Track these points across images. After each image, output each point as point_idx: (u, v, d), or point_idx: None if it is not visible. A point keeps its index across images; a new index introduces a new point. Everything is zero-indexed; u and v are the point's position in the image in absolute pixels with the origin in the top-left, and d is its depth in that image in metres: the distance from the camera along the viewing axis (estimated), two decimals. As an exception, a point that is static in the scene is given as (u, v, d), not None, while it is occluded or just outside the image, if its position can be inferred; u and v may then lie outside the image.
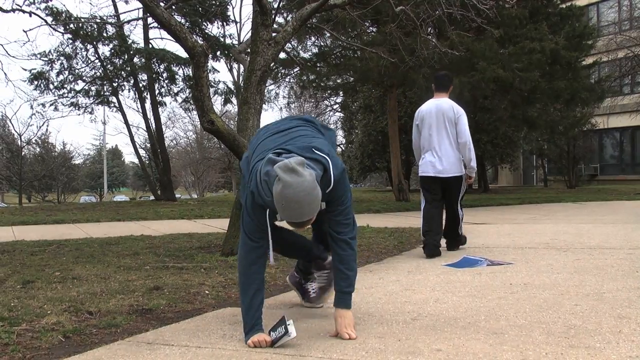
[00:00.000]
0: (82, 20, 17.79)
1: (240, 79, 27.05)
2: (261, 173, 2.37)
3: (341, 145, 37.74)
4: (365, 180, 39.83)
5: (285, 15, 14.50)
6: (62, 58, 18.84)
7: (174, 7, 16.33)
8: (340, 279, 2.65)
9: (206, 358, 2.32)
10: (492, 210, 11.98)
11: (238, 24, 37.76)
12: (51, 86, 18.91)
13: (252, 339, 2.47)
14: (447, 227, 5.43)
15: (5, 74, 32.16)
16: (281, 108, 57.53)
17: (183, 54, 17.83)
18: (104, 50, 19.50)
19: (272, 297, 3.55)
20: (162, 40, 28.70)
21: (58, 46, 18.95)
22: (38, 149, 34.30)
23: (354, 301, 2.67)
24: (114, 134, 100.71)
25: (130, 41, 19.50)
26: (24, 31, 22.29)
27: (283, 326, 2.42)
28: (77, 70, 19.32)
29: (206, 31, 19.82)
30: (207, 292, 3.67)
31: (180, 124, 62.37)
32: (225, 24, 20.80)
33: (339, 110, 35.74)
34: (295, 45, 15.91)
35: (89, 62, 19.49)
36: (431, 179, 5.27)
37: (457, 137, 5.26)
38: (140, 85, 19.97)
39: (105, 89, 19.98)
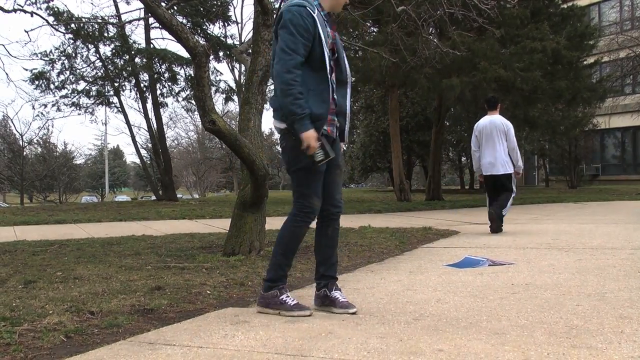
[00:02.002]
0: (84, 20, 17.82)
1: (242, 79, 27.05)
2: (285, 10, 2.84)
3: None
4: (367, 180, 39.84)
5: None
6: (63, 58, 18.87)
7: (175, 7, 16.34)
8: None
9: (208, 358, 2.32)
10: (494, 210, 11.96)
11: (239, 24, 37.86)
12: (52, 86, 18.94)
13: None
14: (494, 210, 6.96)
15: (6, 74, 32.31)
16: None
17: (184, 54, 17.86)
18: (105, 50, 19.56)
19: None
20: (164, 41, 28.79)
21: (59, 46, 18.97)
22: (39, 149, 34.34)
23: (355, 301, 2.67)
24: (116, 134, 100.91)
25: (131, 41, 19.54)
26: (26, 31, 22.41)
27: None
28: (78, 70, 19.35)
29: (207, 31, 19.86)
30: (208, 292, 3.67)
31: (181, 124, 62.52)
32: (226, 24, 20.86)
33: (340, 110, 35.68)
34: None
35: (90, 62, 19.53)
36: (489, 176, 7.09)
37: (507, 144, 7.00)
38: (142, 85, 19.99)
39: (106, 89, 20.00)
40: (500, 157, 6.98)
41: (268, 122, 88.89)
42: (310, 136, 2.79)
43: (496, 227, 6.93)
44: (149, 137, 22.41)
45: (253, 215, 5.32)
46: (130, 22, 19.34)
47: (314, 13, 2.86)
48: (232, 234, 5.37)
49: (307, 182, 2.93)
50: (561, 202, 14.18)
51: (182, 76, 20.09)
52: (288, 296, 3.00)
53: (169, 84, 20.25)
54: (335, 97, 2.97)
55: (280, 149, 3.15)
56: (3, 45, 36.88)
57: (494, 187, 7.10)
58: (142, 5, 5.76)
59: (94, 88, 19.81)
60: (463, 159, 32.38)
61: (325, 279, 3.07)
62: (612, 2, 28.63)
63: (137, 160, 32.29)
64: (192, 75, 16.89)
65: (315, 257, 3.15)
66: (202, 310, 3.22)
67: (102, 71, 19.52)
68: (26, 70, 41.59)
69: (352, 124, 33.76)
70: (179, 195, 23.42)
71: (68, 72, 19.11)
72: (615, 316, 2.77)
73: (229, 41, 21.09)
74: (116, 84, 19.73)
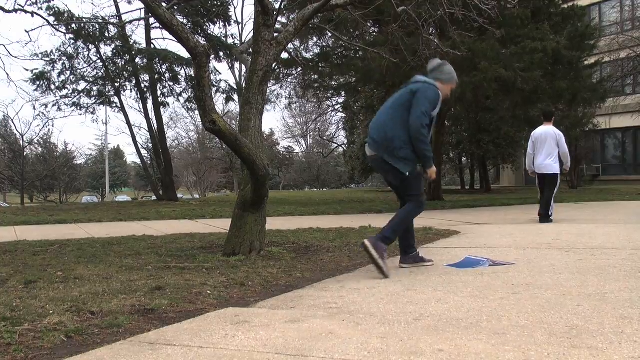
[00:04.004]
0: (84, 20, 17.82)
1: (242, 79, 27.05)
2: (431, 72, 4.50)
3: (343, 146, 37.74)
4: (367, 180, 39.85)
5: (287, 14, 14.50)
6: (64, 58, 18.87)
7: (176, 7, 16.35)
8: None
9: (208, 358, 2.32)
10: (495, 210, 11.97)
11: (240, 25, 37.91)
12: (52, 86, 18.94)
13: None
14: (541, 206, 8.62)
15: (7, 74, 32.35)
16: (283, 108, 57.59)
17: (185, 54, 17.87)
18: (106, 50, 19.56)
19: (274, 297, 3.55)
20: (164, 41, 28.78)
21: (60, 46, 18.98)
22: (40, 149, 34.36)
23: (355, 302, 2.67)
24: (116, 134, 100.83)
25: (132, 41, 19.55)
26: (26, 31, 22.39)
27: None
28: (79, 71, 19.35)
29: (208, 32, 19.87)
30: (209, 292, 3.67)
31: (182, 124, 62.44)
32: (227, 24, 20.85)
33: (341, 110, 35.73)
34: (298, 45, 15.92)
35: (91, 62, 19.53)
36: (540, 175, 8.73)
37: (559, 150, 8.56)
38: (142, 85, 19.99)
39: (107, 89, 20.00)
40: (549, 160, 8.57)
41: (268, 122, 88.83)
42: (434, 170, 4.45)
43: (546, 221, 8.45)
44: (149, 137, 22.43)
45: (253, 215, 5.32)
46: (131, 22, 19.37)
47: (440, 97, 4.40)
48: (232, 234, 5.37)
49: (421, 188, 4.54)
50: (561, 202, 14.17)
51: (182, 76, 20.10)
52: (386, 251, 4.23)
53: (170, 84, 20.26)
54: None
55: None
56: (4, 46, 36.84)
57: (544, 183, 8.73)
58: (142, 6, 5.75)
59: (94, 88, 19.81)
60: (464, 159, 32.36)
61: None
62: (613, 2, 28.62)
63: (138, 161, 32.34)
64: (193, 75, 16.89)
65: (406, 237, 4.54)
66: (203, 311, 3.22)
67: (102, 71, 19.52)
68: (27, 70, 41.63)
69: (353, 124, 33.84)
70: (179, 196, 23.43)
71: (69, 72, 19.12)
72: (615, 316, 2.77)
73: (230, 41, 21.11)
74: (117, 84, 19.73)
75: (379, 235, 4.23)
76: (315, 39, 16.17)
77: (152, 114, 20.27)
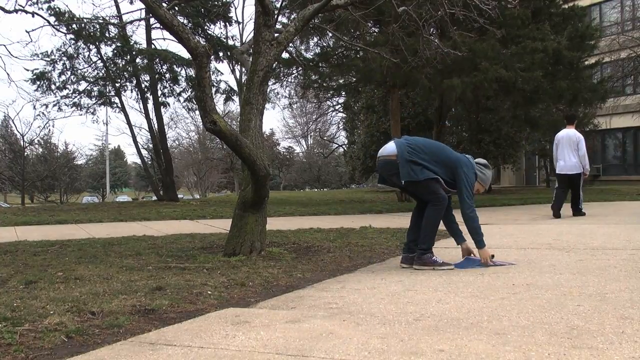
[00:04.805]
0: (85, 20, 17.83)
1: (243, 79, 27.06)
2: (477, 164, 4.72)
3: (343, 146, 37.71)
4: (368, 181, 39.83)
5: (288, 14, 14.49)
6: (64, 58, 18.87)
7: (176, 7, 16.35)
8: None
9: (209, 358, 2.32)
10: (495, 210, 11.96)
11: (240, 25, 37.88)
12: (53, 87, 18.93)
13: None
14: (572, 202, 9.40)
15: (7, 74, 32.27)
16: (284, 108, 57.59)
17: (185, 54, 17.88)
18: (107, 50, 19.54)
19: (274, 297, 3.55)
20: (165, 41, 28.82)
21: (60, 46, 18.97)
22: (40, 150, 34.37)
23: (356, 302, 2.67)
24: (117, 134, 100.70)
25: (132, 42, 19.53)
26: (27, 32, 22.43)
27: None
28: (79, 71, 19.34)
29: (208, 32, 19.87)
30: (209, 292, 3.67)
31: (182, 125, 62.39)
32: (227, 24, 20.86)
33: (342, 110, 35.76)
34: (298, 45, 15.91)
35: (92, 62, 19.52)
36: (562, 175, 9.37)
37: (578, 152, 9.17)
38: (143, 85, 19.99)
39: (107, 90, 19.99)
40: (570, 161, 9.21)
41: (269, 122, 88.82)
42: (487, 254, 4.66)
43: (579, 214, 9.29)
44: (150, 137, 22.42)
45: (254, 215, 5.32)
46: (131, 22, 19.38)
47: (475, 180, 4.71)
48: (233, 235, 5.37)
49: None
50: (562, 202, 14.14)
51: (183, 77, 20.10)
52: (437, 256, 4.58)
53: (170, 84, 20.25)
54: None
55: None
56: (4, 46, 36.92)
57: (568, 183, 9.37)
58: (143, 6, 5.75)
59: (95, 88, 19.79)
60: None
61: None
62: (614, 3, 28.60)
63: (138, 161, 32.33)
64: (193, 75, 16.91)
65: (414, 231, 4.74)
66: (203, 311, 3.22)
67: (103, 71, 19.51)
68: (27, 70, 41.59)
69: (353, 125, 33.82)
70: (179, 196, 23.44)
71: (69, 73, 19.11)
72: (616, 317, 2.77)
73: (230, 42, 21.11)
74: (117, 84, 19.72)
75: (419, 253, 4.56)
76: (315, 39, 16.16)
77: (152, 114, 20.27)
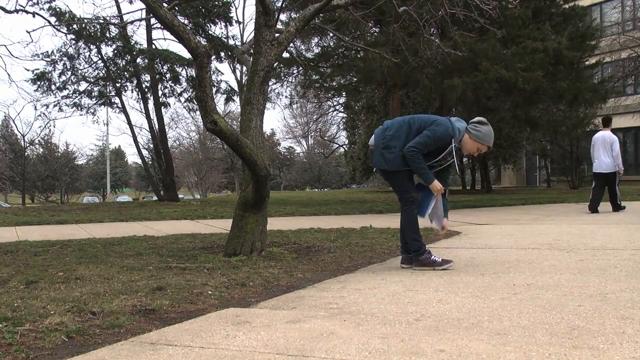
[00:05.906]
0: (86, 20, 17.83)
1: (244, 79, 27.06)
2: (471, 123, 4.49)
3: (344, 146, 37.69)
4: (368, 181, 39.83)
5: (288, 14, 14.50)
6: (65, 58, 18.88)
7: (177, 7, 16.35)
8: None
9: (209, 358, 2.32)
10: (495, 210, 11.97)
11: (241, 25, 37.91)
12: (53, 87, 18.94)
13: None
14: (610, 199, 10.30)
15: (8, 74, 32.16)
16: (284, 107, 57.59)
17: (186, 54, 17.87)
18: (107, 50, 19.56)
19: (275, 297, 3.55)
20: (165, 41, 28.90)
21: (61, 47, 18.98)
22: (41, 150, 34.36)
23: (356, 302, 2.67)
24: (117, 134, 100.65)
25: (133, 42, 19.53)
26: (27, 32, 22.43)
27: None
28: (79, 71, 19.34)
29: (209, 32, 19.86)
30: (210, 292, 3.67)
31: (183, 125, 62.37)
32: (228, 24, 20.85)
33: (342, 110, 35.75)
34: (299, 45, 15.92)
35: (92, 62, 19.53)
36: (597, 173, 10.30)
37: (612, 152, 10.08)
38: (144, 85, 20.00)
39: (108, 90, 20.00)
40: (605, 161, 10.15)
41: (269, 122, 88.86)
42: (436, 186, 4.49)
43: (619, 209, 10.21)
44: (150, 137, 22.42)
45: (254, 215, 5.32)
46: (132, 22, 19.36)
47: (453, 144, 4.39)
48: (233, 235, 5.37)
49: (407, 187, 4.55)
50: (562, 202, 14.16)
51: (183, 77, 20.11)
52: (435, 255, 4.47)
53: (171, 84, 20.26)
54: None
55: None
56: (5, 46, 36.97)
57: (604, 181, 10.23)
58: (144, 6, 5.75)
59: (95, 88, 19.80)
60: (464, 159, 32.33)
61: None
62: (614, 3, 28.61)
63: (139, 161, 32.31)
64: (194, 75, 16.90)
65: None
66: (204, 311, 3.22)
67: (103, 72, 19.52)
68: (28, 70, 41.60)
69: (354, 124, 33.83)
70: (180, 196, 23.44)
71: (70, 73, 19.12)
72: (616, 317, 2.76)
73: (231, 42, 21.11)
74: (118, 85, 19.73)
75: (414, 256, 4.48)
76: (316, 39, 16.17)
77: (153, 114, 20.28)
